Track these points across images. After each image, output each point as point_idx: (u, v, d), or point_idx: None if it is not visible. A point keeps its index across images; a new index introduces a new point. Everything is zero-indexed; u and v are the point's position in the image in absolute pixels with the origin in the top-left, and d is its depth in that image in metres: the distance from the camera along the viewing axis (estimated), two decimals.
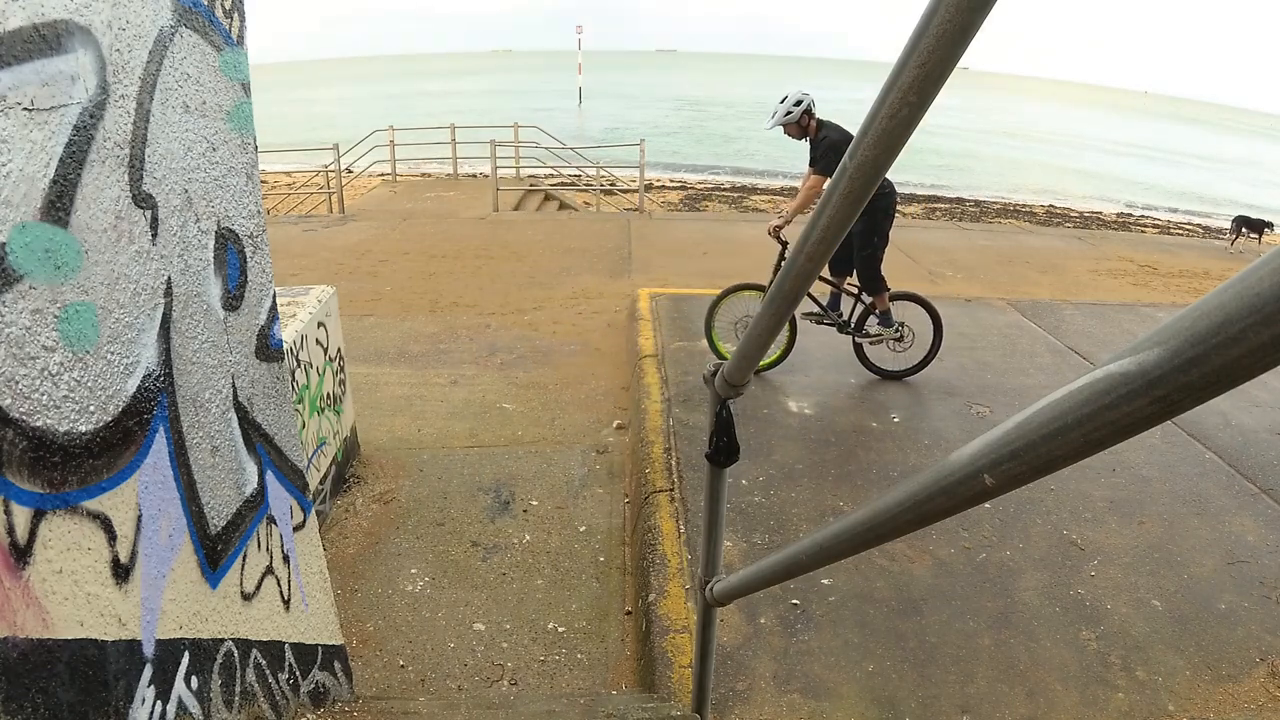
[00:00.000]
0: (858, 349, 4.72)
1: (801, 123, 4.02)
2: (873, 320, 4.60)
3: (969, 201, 19.48)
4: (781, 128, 4.12)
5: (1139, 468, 3.91)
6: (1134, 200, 22.63)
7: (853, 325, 4.69)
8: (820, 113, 4.25)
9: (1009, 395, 4.76)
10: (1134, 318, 6.46)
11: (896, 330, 4.58)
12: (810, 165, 4.28)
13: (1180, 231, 17.14)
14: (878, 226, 4.25)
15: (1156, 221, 18.89)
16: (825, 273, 4.52)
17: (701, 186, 20.23)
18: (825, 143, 3.99)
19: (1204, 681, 2.59)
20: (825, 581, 3.00)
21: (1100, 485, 3.74)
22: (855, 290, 4.50)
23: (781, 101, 4.07)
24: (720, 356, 4.72)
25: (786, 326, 4.47)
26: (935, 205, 18.25)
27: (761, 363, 4.50)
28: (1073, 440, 0.50)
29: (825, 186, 0.83)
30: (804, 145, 4.35)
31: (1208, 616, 2.88)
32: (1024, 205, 19.43)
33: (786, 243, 4.27)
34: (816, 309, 4.74)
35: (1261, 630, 2.82)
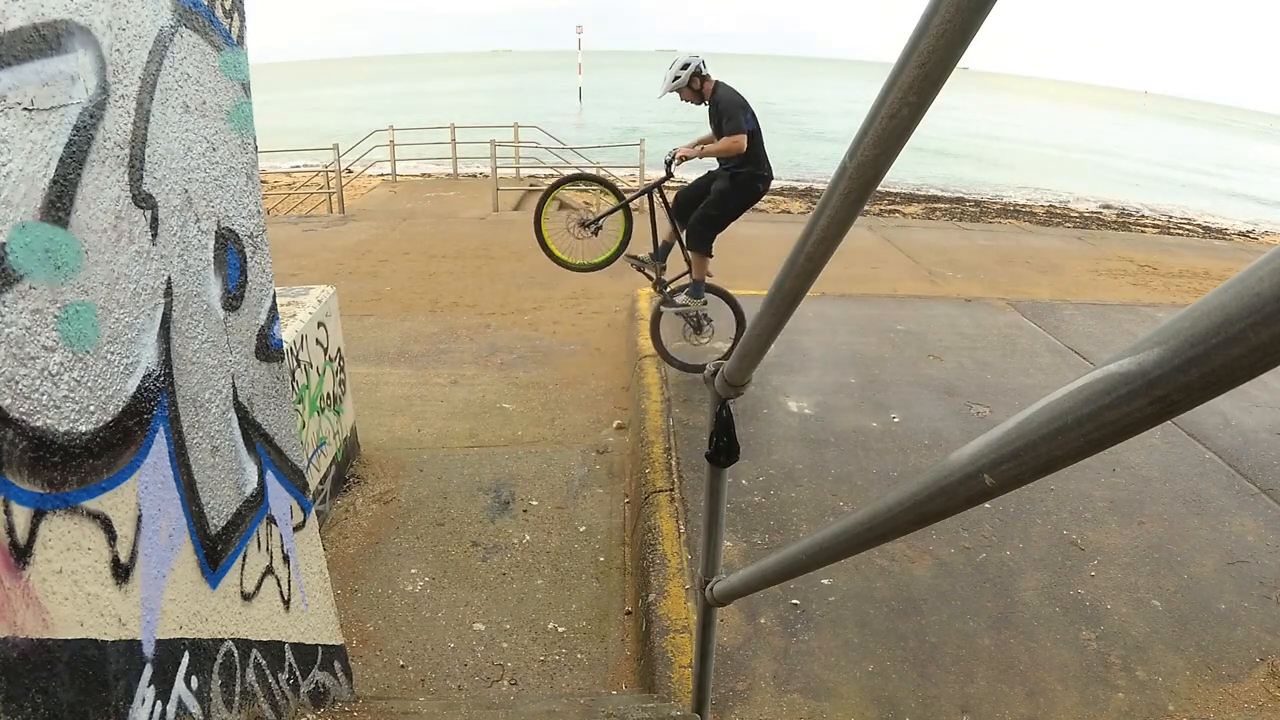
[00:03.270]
0: (654, 322, 4.45)
1: (693, 85, 3.91)
2: (685, 296, 4.36)
3: (969, 201, 19.47)
4: (677, 95, 3.99)
5: (1139, 468, 3.91)
6: (1134, 200, 22.62)
7: (666, 289, 4.41)
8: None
9: (1009, 395, 4.76)
10: (1134, 318, 6.45)
11: (704, 306, 4.31)
12: (712, 126, 4.05)
13: (1180, 231, 17.13)
14: (738, 196, 4.03)
15: (1156, 222, 18.89)
16: (673, 214, 4.33)
17: None
18: (724, 101, 3.86)
19: (1204, 681, 2.58)
20: (825, 581, 3.00)
21: (1100, 485, 3.74)
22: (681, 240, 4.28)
23: (669, 68, 3.99)
24: (540, 237, 4.49)
25: (622, 217, 4.30)
26: (935, 205, 18.24)
27: (598, 258, 4.34)
28: (1073, 440, 0.50)
29: (829, 184, 0.82)
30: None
31: (1208, 616, 2.88)
32: (1024, 205, 19.42)
33: (671, 174, 4.12)
34: (649, 253, 4.47)
35: (1261, 630, 2.82)
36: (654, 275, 4.42)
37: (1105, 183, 22.71)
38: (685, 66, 3.89)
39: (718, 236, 4.28)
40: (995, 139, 34.50)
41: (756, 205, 4.31)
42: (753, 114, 3.88)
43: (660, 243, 4.40)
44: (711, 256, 4.19)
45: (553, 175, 14.15)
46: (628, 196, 4.28)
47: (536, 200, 4.40)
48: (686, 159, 3.97)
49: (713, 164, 4.20)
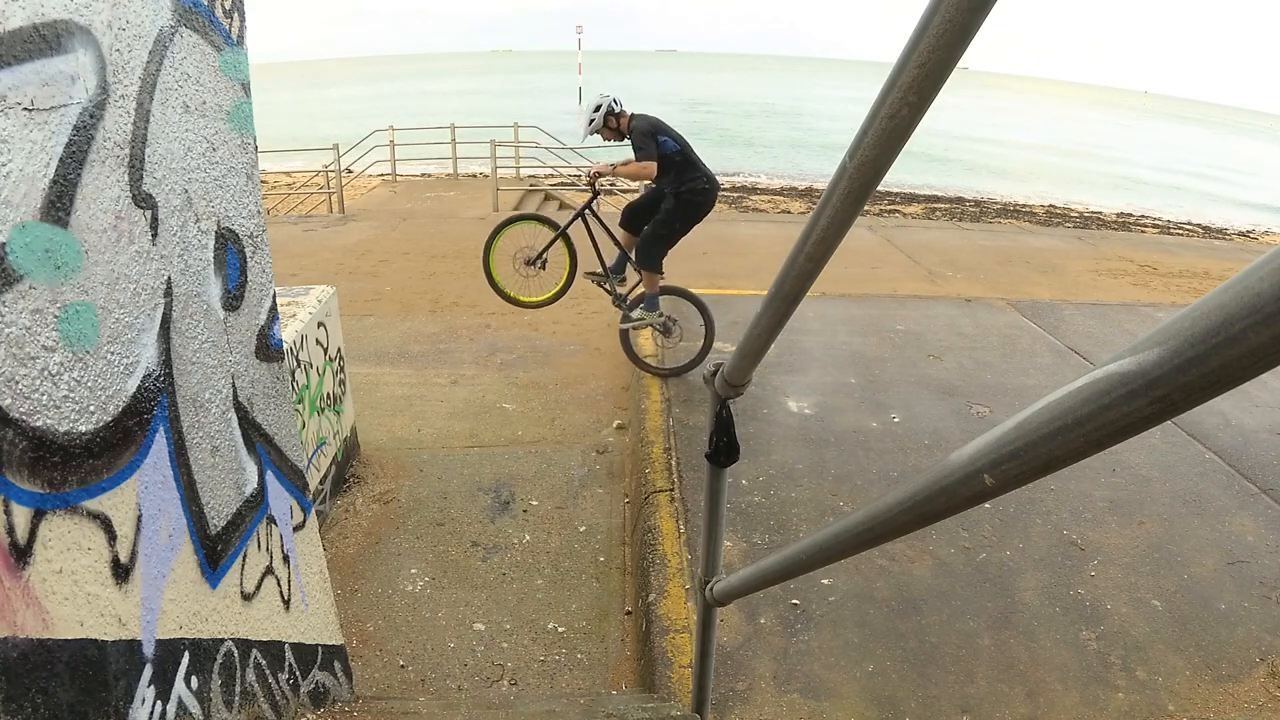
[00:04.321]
0: (623, 336, 4.51)
1: (609, 124, 4.03)
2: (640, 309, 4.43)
3: (969, 201, 19.48)
4: (599, 135, 4.11)
5: (1139, 468, 3.91)
6: (1133, 200, 22.59)
7: (626, 303, 4.45)
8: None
9: (1009, 395, 4.76)
10: (1134, 318, 6.45)
11: (661, 318, 4.36)
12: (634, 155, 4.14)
13: (1180, 231, 17.14)
14: (683, 214, 4.08)
15: (1156, 221, 18.90)
16: (621, 224, 4.40)
17: None
18: (637, 131, 3.96)
19: (1204, 681, 2.58)
20: (825, 581, 3.00)
21: (1100, 485, 3.74)
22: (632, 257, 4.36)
23: (584, 111, 4.13)
24: (493, 284, 4.61)
25: (564, 245, 4.39)
26: (935, 205, 18.24)
27: (550, 292, 4.43)
28: (1073, 440, 0.50)
29: (829, 184, 0.82)
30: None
31: (1208, 616, 2.88)
32: (1024, 205, 19.42)
33: (599, 192, 4.24)
34: (600, 270, 4.50)
35: (1261, 630, 2.82)
36: (611, 290, 4.45)
37: (1105, 191, 22.63)
38: (597, 108, 4.01)
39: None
40: (997, 144, 34.37)
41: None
42: (673, 136, 3.98)
43: (615, 259, 4.44)
44: (662, 275, 4.26)
45: (552, 175, 14.16)
46: (562, 225, 4.36)
47: (481, 255, 4.56)
48: (601, 175, 4.07)
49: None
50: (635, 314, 4.37)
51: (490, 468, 4.19)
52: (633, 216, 4.32)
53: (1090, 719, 2.44)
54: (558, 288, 4.49)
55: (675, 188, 3.93)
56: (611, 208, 9.90)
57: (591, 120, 4.04)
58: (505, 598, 3.22)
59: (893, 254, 8.63)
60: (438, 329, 6.13)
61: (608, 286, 4.42)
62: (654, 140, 3.85)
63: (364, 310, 6.46)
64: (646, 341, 4.76)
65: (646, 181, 4.03)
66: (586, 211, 4.32)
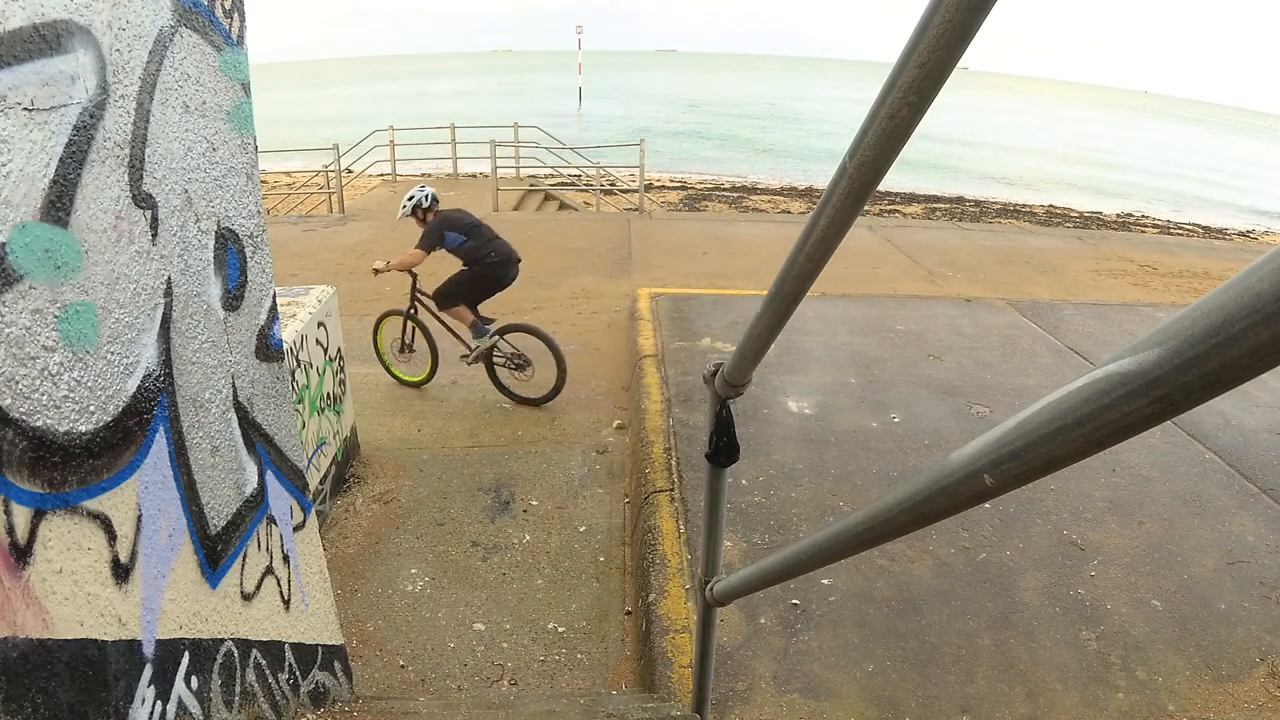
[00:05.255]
0: (489, 373, 4.97)
1: (416, 215, 4.71)
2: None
3: (969, 201, 19.48)
4: (412, 219, 4.78)
5: (1139, 468, 3.91)
6: (1134, 201, 22.56)
7: (471, 351, 4.96)
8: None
9: (1009, 395, 4.76)
10: (1134, 318, 6.46)
11: (492, 338, 4.83)
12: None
13: (1180, 231, 17.14)
14: (476, 282, 4.71)
15: (1156, 221, 18.90)
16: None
17: (701, 186, 20.22)
18: (428, 226, 4.65)
19: (1204, 681, 2.58)
20: (825, 581, 3.00)
21: (1100, 485, 3.74)
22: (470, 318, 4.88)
23: (404, 198, 4.80)
24: (395, 377, 5.17)
25: (418, 330, 4.96)
26: (935, 205, 18.24)
27: (425, 371, 5.11)
28: (1073, 440, 0.50)
29: (829, 184, 0.82)
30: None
31: (1208, 616, 2.88)
32: (1024, 205, 19.42)
33: (414, 276, 4.81)
34: (467, 348, 4.96)
35: (1261, 630, 2.82)
36: (485, 348, 4.87)
37: (1109, 199, 22.57)
38: (411, 199, 4.71)
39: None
40: (997, 149, 34.22)
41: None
42: (460, 231, 4.64)
43: (473, 326, 4.86)
44: (458, 308, 4.78)
45: (552, 175, 14.16)
46: (405, 310, 4.93)
47: (373, 329, 5.13)
48: (379, 272, 4.71)
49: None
50: (472, 344, 4.89)
51: (490, 468, 4.19)
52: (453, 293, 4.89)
53: (1090, 719, 2.44)
54: (429, 367, 5.08)
55: (470, 265, 4.68)
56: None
57: (404, 208, 4.74)
58: (505, 598, 3.22)
59: (893, 254, 8.63)
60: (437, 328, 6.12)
61: (484, 345, 4.85)
62: (435, 236, 4.58)
63: (364, 310, 6.45)
64: (508, 377, 5.06)
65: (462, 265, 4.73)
66: (415, 303, 4.90)
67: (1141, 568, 3.15)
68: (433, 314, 4.91)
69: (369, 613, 3.12)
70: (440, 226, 4.62)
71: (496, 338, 4.83)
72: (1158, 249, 9.98)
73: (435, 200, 4.79)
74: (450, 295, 4.74)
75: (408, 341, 5.01)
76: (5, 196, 0.91)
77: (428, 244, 4.58)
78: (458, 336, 4.96)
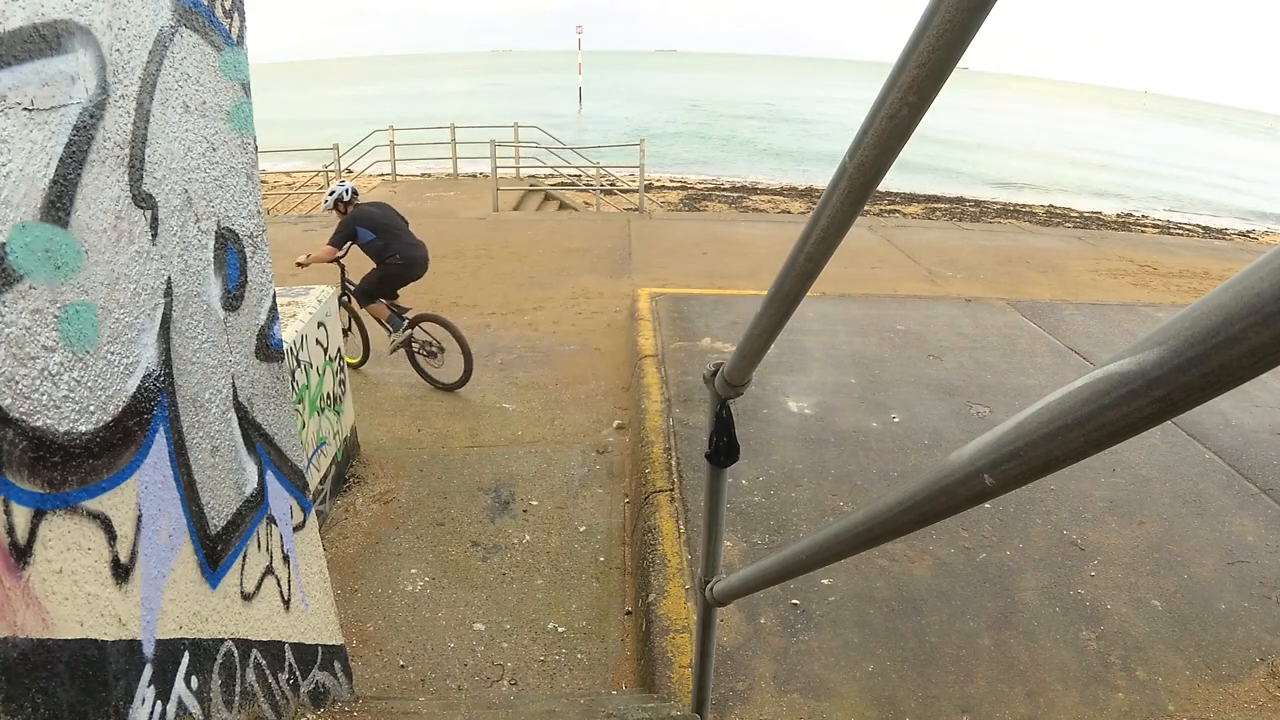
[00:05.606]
0: (411, 361, 5.21)
1: (339, 209, 4.99)
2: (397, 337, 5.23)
3: (969, 201, 19.47)
4: (334, 213, 5.04)
5: (1139, 468, 3.91)
6: (1134, 201, 22.55)
7: (392, 340, 5.22)
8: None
9: (1009, 395, 4.76)
10: (1134, 318, 6.46)
11: (406, 330, 5.06)
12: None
13: (1180, 231, 17.13)
14: (384, 278, 4.94)
15: (1156, 221, 18.89)
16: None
17: (701, 186, 20.23)
18: (341, 221, 4.85)
19: (1204, 681, 2.59)
20: (825, 581, 3.00)
21: (1100, 485, 3.74)
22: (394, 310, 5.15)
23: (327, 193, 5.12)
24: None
25: (349, 317, 5.20)
26: (935, 205, 18.24)
27: (360, 355, 5.39)
28: (1073, 440, 0.50)
29: (829, 184, 0.83)
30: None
31: (1208, 616, 2.88)
32: (1024, 205, 19.42)
33: (342, 266, 5.06)
34: (394, 338, 5.17)
35: (1261, 630, 2.82)
36: (400, 340, 5.10)
37: (1111, 201, 22.54)
38: (332, 193, 5.02)
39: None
40: (997, 151, 34.16)
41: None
42: (372, 229, 4.80)
43: (389, 319, 5.12)
44: (375, 304, 5.04)
45: (552, 175, 14.16)
46: (339, 296, 5.02)
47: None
48: (302, 265, 4.94)
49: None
50: (390, 338, 5.14)
51: (490, 468, 4.19)
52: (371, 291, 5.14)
53: (1090, 719, 2.44)
54: (362, 350, 5.42)
55: (379, 263, 4.91)
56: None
57: (326, 201, 5.06)
58: (505, 598, 3.23)
59: (893, 254, 8.63)
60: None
61: (401, 336, 5.10)
62: (347, 231, 4.76)
63: None
64: (426, 364, 5.23)
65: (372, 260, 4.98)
66: (347, 285, 5.13)
67: (1141, 568, 3.15)
68: (355, 308, 5.23)
69: (369, 613, 3.12)
70: (352, 223, 4.81)
71: (411, 330, 5.07)
72: (1158, 249, 9.98)
73: (355, 194, 5.09)
74: (368, 294, 5.00)
75: (344, 326, 5.18)
76: (5, 196, 0.91)
77: (339, 239, 4.78)
78: (384, 325, 5.18)
